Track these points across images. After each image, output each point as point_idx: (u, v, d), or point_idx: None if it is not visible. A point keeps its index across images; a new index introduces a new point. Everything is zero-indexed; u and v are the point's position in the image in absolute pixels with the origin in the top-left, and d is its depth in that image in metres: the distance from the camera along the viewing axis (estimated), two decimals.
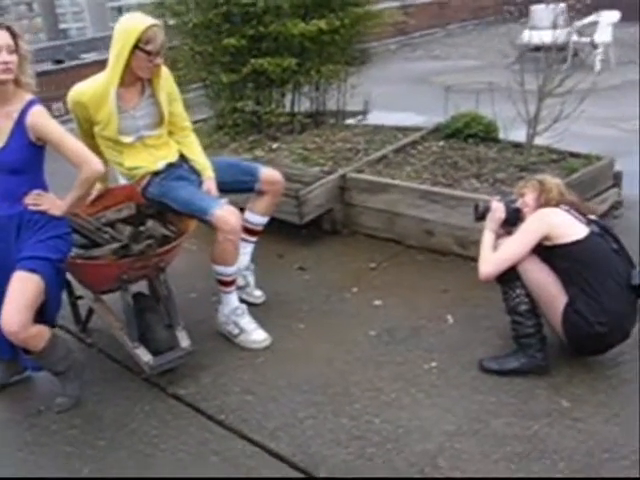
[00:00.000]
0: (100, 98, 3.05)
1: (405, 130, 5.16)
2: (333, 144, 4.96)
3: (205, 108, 5.64)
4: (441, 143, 4.77)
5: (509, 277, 2.81)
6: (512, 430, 2.58)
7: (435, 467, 2.44)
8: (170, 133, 3.37)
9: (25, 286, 2.66)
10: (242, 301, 3.53)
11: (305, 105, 5.55)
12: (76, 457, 2.65)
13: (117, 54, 3.00)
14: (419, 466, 2.45)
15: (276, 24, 4.65)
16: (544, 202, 2.83)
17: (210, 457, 2.59)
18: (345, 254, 4.16)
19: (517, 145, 4.55)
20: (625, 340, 2.82)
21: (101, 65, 3.22)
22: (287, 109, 5.42)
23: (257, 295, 3.68)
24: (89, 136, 3.24)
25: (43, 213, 2.78)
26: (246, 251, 3.65)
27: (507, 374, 2.87)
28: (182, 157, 3.38)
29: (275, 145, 5.05)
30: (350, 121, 5.66)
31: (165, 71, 3.24)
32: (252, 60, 4.71)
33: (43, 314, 2.81)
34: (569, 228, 2.73)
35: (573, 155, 4.40)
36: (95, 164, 2.70)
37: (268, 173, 3.52)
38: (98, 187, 3.46)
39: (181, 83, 4.98)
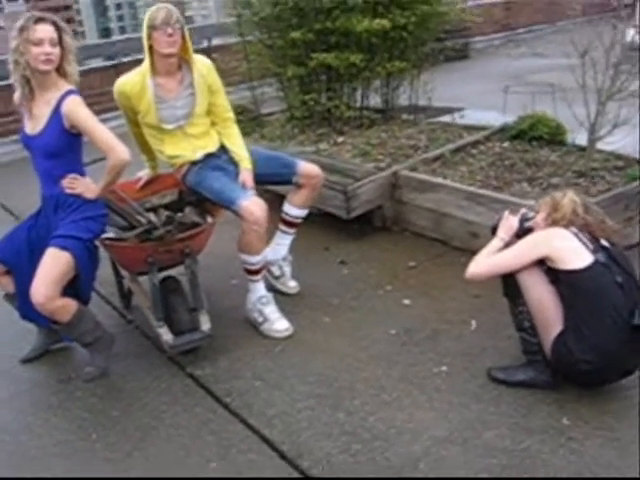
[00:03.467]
0: (140, 88, 3.23)
1: (473, 129, 5.07)
2: (397, 140, 4.96)
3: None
4: (505, 144, 4.66)
5: (513, 292, 2.74)
6: (502, 443, 2.53)
7: (415, 470, 2.44)
8: (213, 123, 3.50)
9: (55, 262, 2.88)
10: (276, 291, 3.66)
11: (376, 100, 5.56)
12: (89, 423, 2.86)
13: (144, 44, 3.18)
14: (399, 467, 2.46)
15: (342, 19, 4.69)
16: (552, 222, 2.70)
17: (207, 437, 2.72)
18: (389, 251, 4.17)
19: (583, 149, 4.36)
20: (625, 377, 2.69)
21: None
22: (358, 104, 5.46)
23: (291, 286, 3.77)
24: (135, 124, 3.44)
25: (78, 196, 3.00)
26: (283, 242, 3.75)
27: (514, 386, 2.81)
28: (223, 147, 3.51)
29: (341, 139, 5.11)
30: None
31: (207, 63, 3.38)
32: (316, 54, 4.77)
33: (77, 290, 3.05)
34: (571, 254, 2.58)
35: None
36: (121, 152, 2.87)
37: (306, 167, 3.59)
38: (148, 173, 3.69)
39: (253, 76, 5.18)
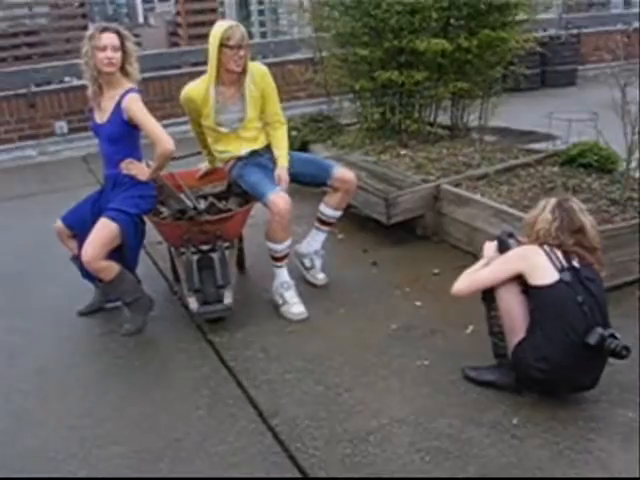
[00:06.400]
0: (204, 94, 3.71)
1: (533, 152, 5.23)
2: (455, 157, 5.21)
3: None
4: (555, 169, 4.80)
5: (488, 298, 2.99)
6: (450, 430, 2.79)
7: (364, 441, 2.76)
8: (265, 124, 3.93)
9: (104, 229, 3.44)
10: (306, 281, 4.07)
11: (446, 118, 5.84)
12: (115, 367, 3.42)
13: (211, 55, 3.65)
14: (351, 436, 2.79)
15: (409, 39, 5.02)
16: (530, 241, 2.92)
17: (204, 390, 3.17)
18: (420, 258, 4.44)
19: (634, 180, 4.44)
20: (579, 392, 2.89)
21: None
22: (427, 120, 5.76)
23: (319, 278, 4.15)
24: (197, 125, 3.94)
25: (132, 177, 3.55)
26: (317, 238, 4.15)
27: (482, 385, 3.05)
28: (268, 147, 3.95)
29: (403, 152, 5.43)
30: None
31: (262, 70, 3.82)
32: (381, 71, 5.13)
33: (124, 257, 3.61)
34: (538, 270, 2.79)
35: None
36: (166, 143, 3.38)
37: (341, 172, 3.95)
38: (207, 165, 4.21)
39: (329, 88, 5.62)
